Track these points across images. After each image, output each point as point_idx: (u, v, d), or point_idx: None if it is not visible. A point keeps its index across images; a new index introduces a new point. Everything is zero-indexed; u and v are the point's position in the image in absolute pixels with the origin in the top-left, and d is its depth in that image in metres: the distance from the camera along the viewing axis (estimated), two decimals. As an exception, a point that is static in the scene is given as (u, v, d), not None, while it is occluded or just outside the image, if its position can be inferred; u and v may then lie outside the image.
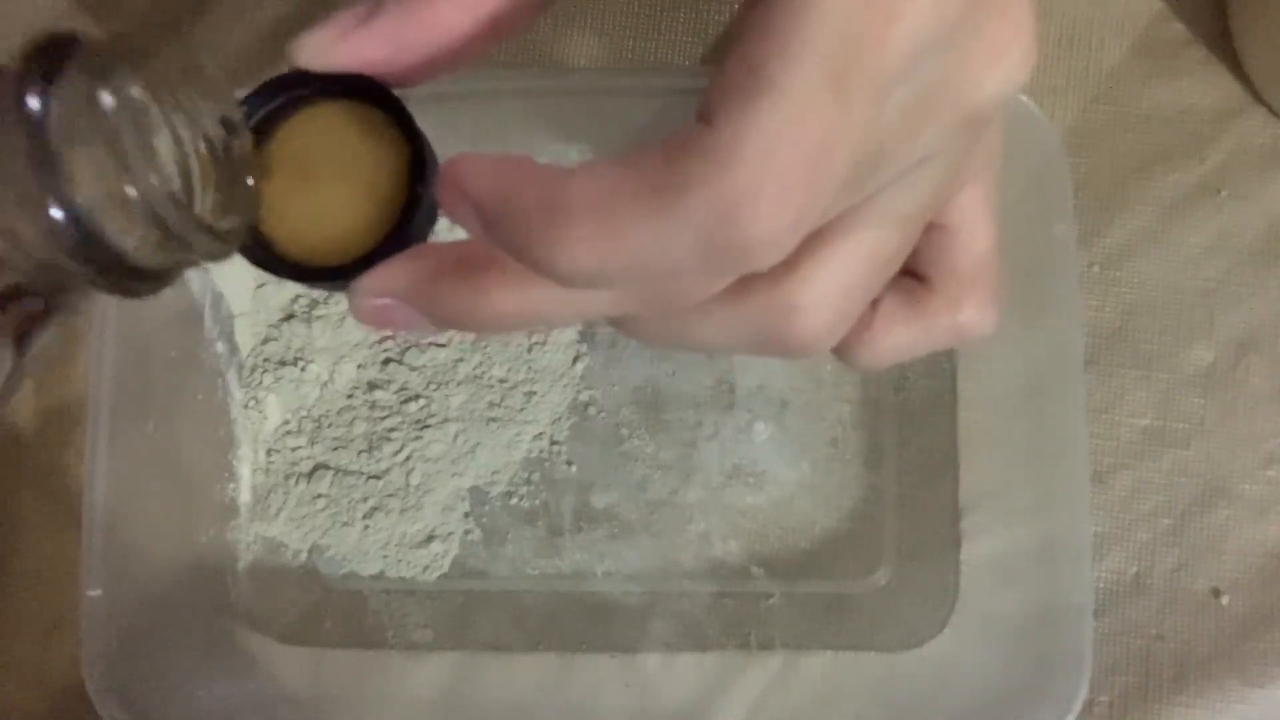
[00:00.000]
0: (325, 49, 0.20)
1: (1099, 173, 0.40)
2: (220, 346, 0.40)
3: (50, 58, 0.17)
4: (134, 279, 0.18)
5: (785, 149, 0.17)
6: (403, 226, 0.21)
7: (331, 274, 0.21)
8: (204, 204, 0.19)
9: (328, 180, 0.21)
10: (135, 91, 0.18)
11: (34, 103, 0.16)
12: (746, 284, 0.20)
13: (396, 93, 0.21)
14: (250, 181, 0.21)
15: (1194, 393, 0.39)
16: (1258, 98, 0.40)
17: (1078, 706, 0.33)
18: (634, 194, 0.18)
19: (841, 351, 0.23)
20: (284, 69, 0.21)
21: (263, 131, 0.21)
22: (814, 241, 0.20)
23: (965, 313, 0.23)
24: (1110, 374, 0.39)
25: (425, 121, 0.22)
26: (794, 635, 0.39)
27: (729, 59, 0.18)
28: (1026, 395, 0.37)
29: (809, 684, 0.38)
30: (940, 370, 0.40)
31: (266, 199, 0.21)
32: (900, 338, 0.23)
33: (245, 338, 0.41)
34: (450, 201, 0.20)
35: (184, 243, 0.18)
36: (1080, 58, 0.41)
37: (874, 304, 0.23)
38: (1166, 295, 0.40)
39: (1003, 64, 0.19)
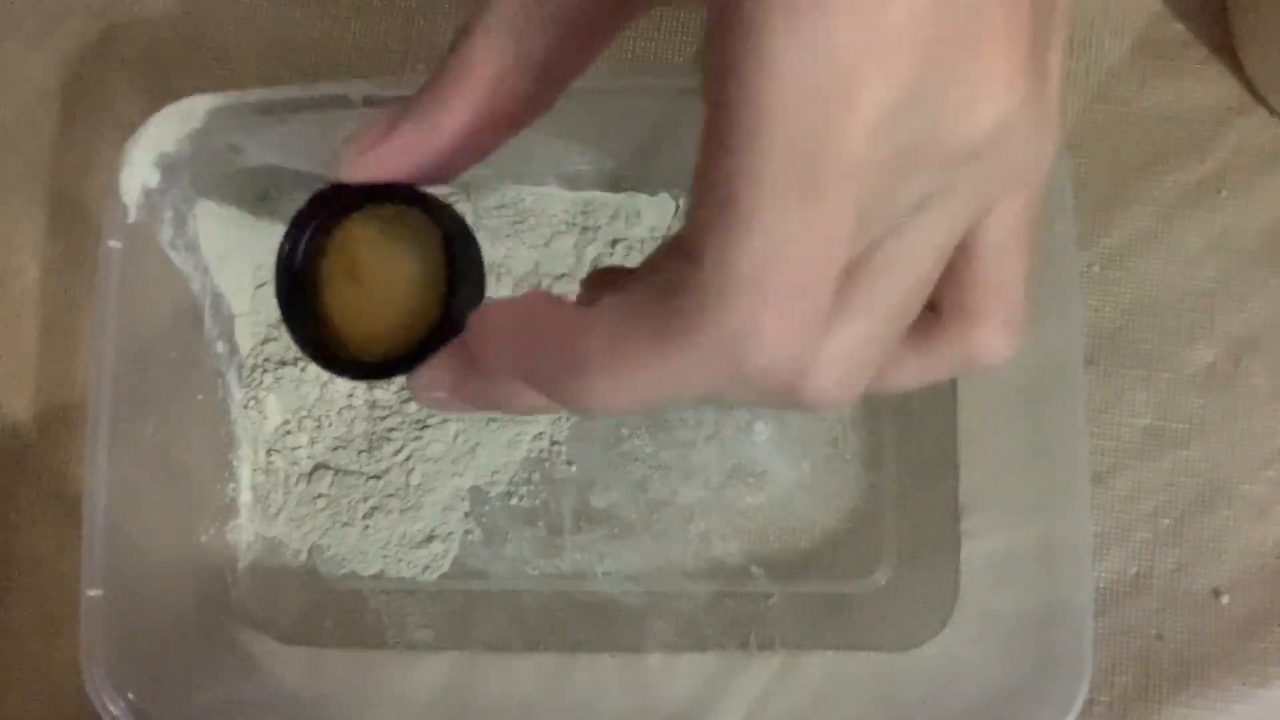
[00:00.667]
0: (357, 166, 0.22)
1: (1099, 173, 0.40)
2: (220, 346, 0.40)
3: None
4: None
5: (774, 274, 0.17)
6: (442, 322, 0.23)
7: (380, 370, 0.24)
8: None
9: (378, 282, 0.24)
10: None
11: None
12: None
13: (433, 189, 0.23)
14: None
15: (1194, 393, 0.39)
16: (1258, 98, 0.40)
17: (1078, 706, 0.33)
18: (640, 342, 0.18)
19: None
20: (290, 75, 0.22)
21: (318, 244, 0.24)
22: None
23: (976, 346, 0.22)
24: (1110, 374, 0.39)
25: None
26: (794, 635, 0.39)
27: (695, 182, 0.18)
28: (1026, 395, 0.37)
29: (809, 684, 0.38)
30: (940, 370, 0.40)
31: (328, 305, 0.24)
32: (908, 371, 0.22)
33: (245, 338, 0.41)
34: (481, 354, 0.22)
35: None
36: (1080, 58, 0.41)
37: None
38: (1166, 295, 0.40)
39: (982, 103, 0.18)
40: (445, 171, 0.22)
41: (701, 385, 0.18)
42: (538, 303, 0.20)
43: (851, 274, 0.19)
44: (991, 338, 0.22)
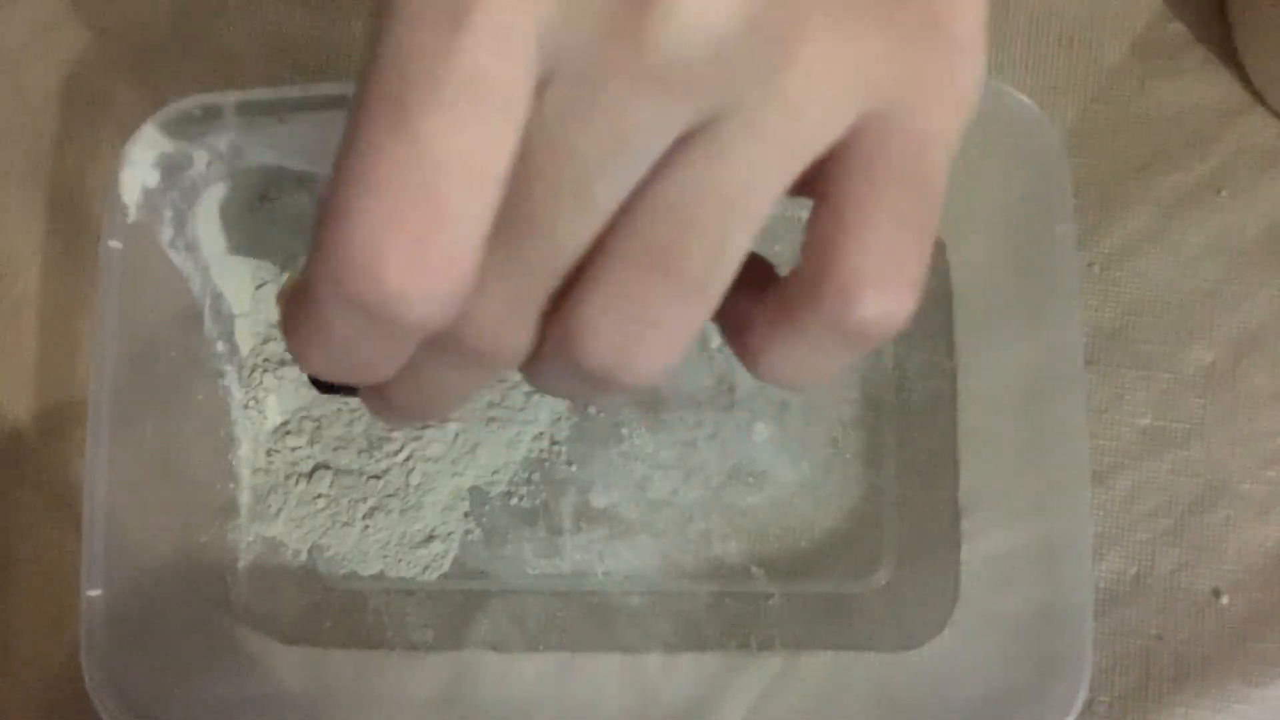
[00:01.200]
0: None
1: (1099, 173, 0.40)
2: (220, 346, 0.40)
3: None
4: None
5: (372, 204, 0.16)
6: None
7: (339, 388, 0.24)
8: None
9: None
10: None
11: None
12: (548, 327, 0.19)
13: None
14: None
15: (1194, 393, 0.39)
16: (1258, 98, 0.40)
17: (1078, 706, 0.33)
18: (301, 292, 0.18)
19: (743, 365, 0.20)
20: (290, 75, 0.22)
21: None
22: (586, 261, 0.18)
23: (828, 305, 0.18)
24: (1110, 374, 0.39)
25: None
26: (794, 635, 0.39)
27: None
28: (1026, 395, 0.37)
29: (809, 684, 0.38)
30: (940, 370, 0.40)
31: None
32: (781, 346, 0.19)
33: (245, 338, 0.41)
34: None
35: None
36: (1080, 58, 0.41)
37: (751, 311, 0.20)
38: (1166, 295, 0.40)
39: (669, 7, 0.16)
40: None
41: (358, 333, 0.17)
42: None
43: (613, 222, 0.18)
44: (851, 292, 0.18)
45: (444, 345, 0.19)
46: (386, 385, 0.21)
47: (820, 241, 0.18)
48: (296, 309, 0.18)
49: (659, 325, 0.18)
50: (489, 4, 0.16)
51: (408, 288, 0.16)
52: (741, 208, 0.17)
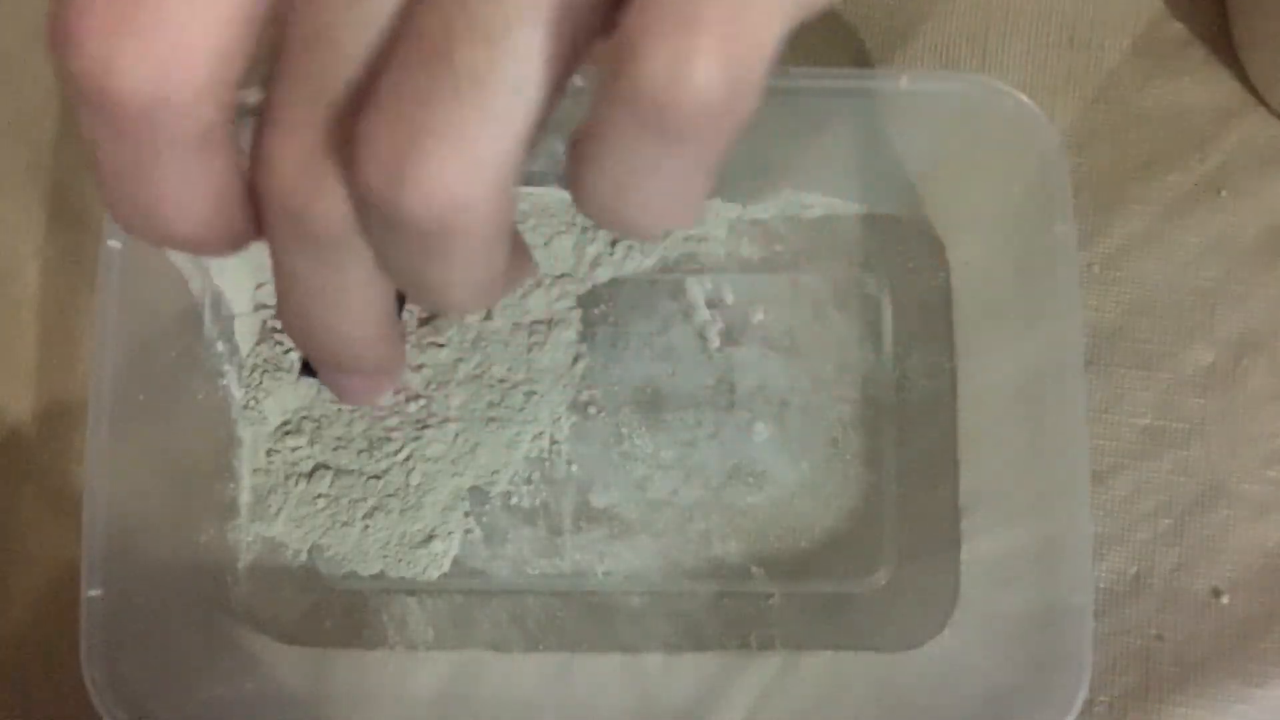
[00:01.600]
0: None
1: (1099, 173, 0.40)
2: (220, 346, 0.40)
3: None
4: None
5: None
6: None
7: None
8: None
9: None
10: None
11: None
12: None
13: None
14: None
15: (1194, 393, 0.39)
16: (1258, 98, 0.40)
17: (1078, 706, 0.33)
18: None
19: (580, 210, 0.17)
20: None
21: None
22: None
23: (617, 79, 0.15)
24: (1110, 374, 0.39)
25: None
26: (794, 635, 0.39)
27: None
28: (1026, 395, 0.37)
29: (809, 684, 0.38)
30: (940, 370, 0.40)
31: None
32: (596, 156, 0.16)
33: (245, 338, 0.41)
34: None
35: None
36: (1080, 58, 0.41)
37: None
38: (1166, 295, 0.40)
39: None
40: None
41: (108, 143, 0.16)
42: None
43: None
44: (642, 47, 0.14)
45: (275, 219, 0.17)
46: (287, 315, 0.19)
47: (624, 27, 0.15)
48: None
49: (439, 133, 0.15)
50: None
51: (112, 53, 0.14)
52: None
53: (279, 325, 0.40)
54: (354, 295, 0.18)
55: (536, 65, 0.15)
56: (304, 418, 0.41)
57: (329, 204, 0.16)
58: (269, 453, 0.41)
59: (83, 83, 0.15)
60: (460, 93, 0.15)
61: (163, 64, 0.15)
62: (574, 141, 0.16)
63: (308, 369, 0.24)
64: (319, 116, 0.16)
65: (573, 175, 0.17)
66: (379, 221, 0.16)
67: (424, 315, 0.41)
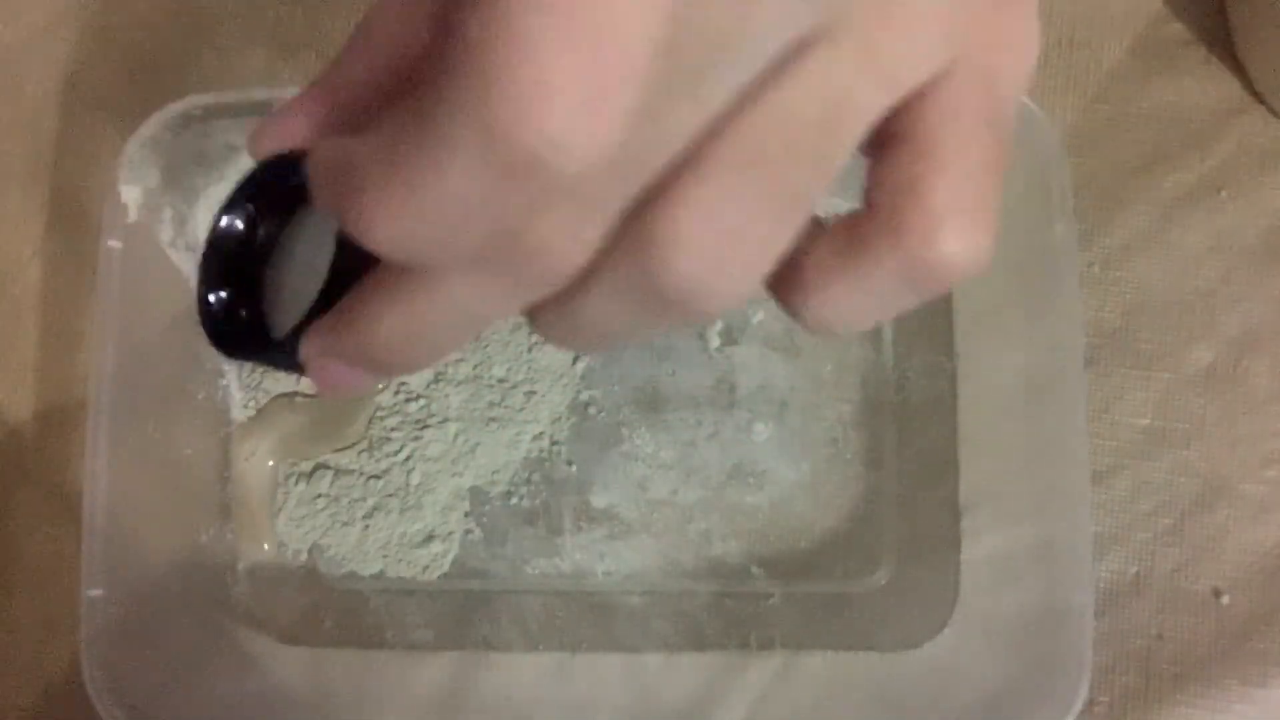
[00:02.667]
0: (263, 139, 0.21)
1: (1099, 173, 0.40)
2: (220, 346, 0.40)
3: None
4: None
5: (539, 25, 0.14)
6: (328, 283, 0.20)
7: (275, 347, 0.22)
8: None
9: (315, 273, 0.21)
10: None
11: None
12: (616, 236, 0.17)
13: None
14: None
15: (1194, 393, 0.39)
16: (1258, 98, 0.40)
17: (1078, 706, 0.33)
18: (411, 143, 0.15)
19: (787, 309, 0.19)
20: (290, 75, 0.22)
21: (260, 239, 0.23)
22: (677, 168, 0.17)
23: (913, 237, 0.17)
24: (1110, 374, 0.39)
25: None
26: (794, 635, 0.39)
27: None
28: (1026, 395, 0.37)
29: (809, 684, 0.38)
30: (940, 370, 0.40)
31: (269, 300, 0.23)
32: (844, 283, 0.18)
33: (245, 338, 0.41)
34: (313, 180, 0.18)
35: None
36: (1080, 58, 0.41)
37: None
38: (1166, 295, 0.40)
39: None
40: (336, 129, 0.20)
41: (472, 186, 0.15)
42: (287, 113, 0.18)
43: (714, 126, 0.16)
44: (934, 225, 0.17)
45: (497, 251, 0.17)
46: (370, 323, 0.19)
47: (902, 181, 0.18)
48: (387, 156, 0.16)
49: (752, 242, 0.17)
50: None
51: (574, 132, 0.14)
52: (845, 126, 0.17)
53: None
54: (479, 325, 0.19)
55: (824, 189, 0.17)
56: (304, 418, 0.41)
57: (576, 254, 0.17)
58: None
59: (531, 162, 0.15)
60: (782, 214, 0.17)
61: (617, 142, 0.15)
62: (806, 266, 0.18)
63: (232, 347, 0.22)
64: (620, 184, 0.17)
65: (808, 297, 0.18)
66: (629, 293, 0.17)
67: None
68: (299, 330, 0.21)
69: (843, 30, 0.16)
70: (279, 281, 0.23)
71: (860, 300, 0.18)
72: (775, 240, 0.17)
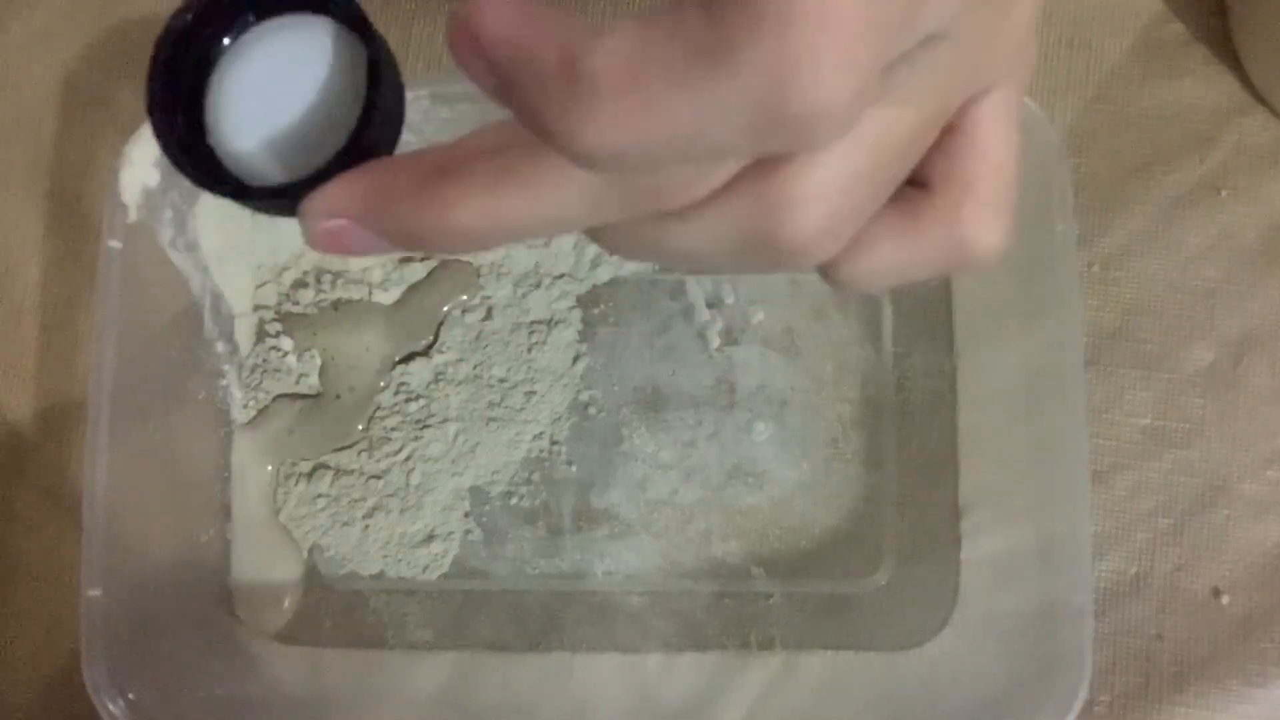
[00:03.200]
0: None
1: (1099, 173, 0.40)
2: (220, 346, 0.40)
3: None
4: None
5: (842, 7, 0.15)
6: (355, 139, 0.19)
7: (275, 193, 0.20)
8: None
9: (286, 99, 0.20)
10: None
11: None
12: (737, 179, 0.18)
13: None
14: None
15: (1194, 393, 0.39)
16: (1258, 98, 0.40)
17: (1078, 706, 0.33)
18: (674, 60, 0.16)
19: (827, 267, 0.20)
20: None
21: (212, 45, 0.21)
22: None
23: (965, 223, 0.20)
24: (1110, 374, 0.39)
25: (430, 121, 0.22)
26: (794, 635, 0.39)
27: None
28: (1026, 395, 0.37)
29: (809, 684, 0.38)
30: (940, 370, 0.40)
31: (224, 117, 0.20)
32: (891, 250, 0.20)
33: (245, 338, 0.41)
34: (462, 54, 0.17)
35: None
36: (1080, 58, 0.41)
37: None
38: (1166, 295, 0.40)
39: None
40: None
41: (728, 129, 0.16)
42: (546, 8, 0.17)
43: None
44: (983, 216, 0.20)
45: (651, 168, 0.17)
46: (447, 198, 0.18)
47: (961, 175, 0.20)
48: (633, 73, 0.16)
49: (862, 215, 0.19)
50: None
51: (841, 94, 0.16)
52: (944, 120, 0.20)
53: (279, 328, 0.40)
54: (587, 224, 0.19)
55: None
56: (304, 418, 0.41)
57: (703, 185, 0.18)
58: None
59: (796, 126, 0.16)
60: (886, 191, 0.19)
61: (862, 106, 0.16)
62: (857, 238, 0.19)
63: (205, 181, 0.20)
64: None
65: (858, 255, 0.20)
66: (735, 234, 0.18)
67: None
68: (314, 180, 0.19)
69: (965, 35, 0.18)
70: (254, 107, 0.20)
71: (900, 265, 0.20)
72: (876, 199, 0.19)
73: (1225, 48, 0.41)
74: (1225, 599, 0.38)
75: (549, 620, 0.40)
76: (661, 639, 0.39)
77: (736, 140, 0.16)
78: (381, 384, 0.41)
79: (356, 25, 0.20)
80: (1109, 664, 0.38)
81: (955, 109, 0.20)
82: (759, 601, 0.39)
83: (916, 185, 0.20)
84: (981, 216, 0.20)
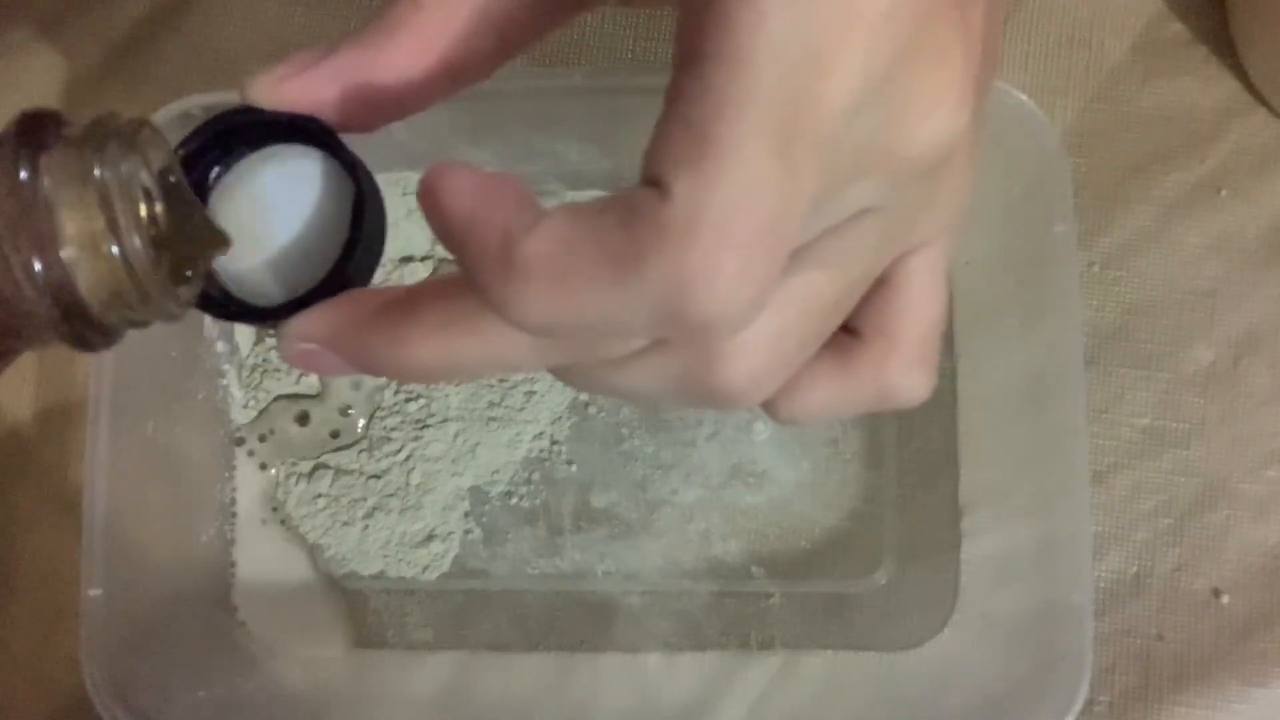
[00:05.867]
0: (276, 86, 0.21)
1: (1099, 173, 0.40)
2: (220, 346, 0.40)
3: (38, 129, 0.19)
4: (92, 331, 0.20)
5: (742, 221, 0.17)
6: (335, 270, 0.21)
7: (262, 315, 0.22)
8: (162, 266, 0.20)
9: (275, 225, 0.21)
10: (122, 164, 0.19)
11: (25, 172, 0.18)
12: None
13: (344, 136, 0.21)
14: (199, 239, 0.21)
15: (1194, 393, 0.39)
16: (1258, 98, 0.40)
17: (1078, 706, 0.33)
18: (590, 260, 0.17)
19: (767, 407, 0.22)
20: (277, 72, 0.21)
21: (208, 174, 0.22)
22: None
23: (891, 373, 0.22)
24: (1110, 374, 0.39)
25: (430, 119, 0.22)
26: (794, 635, 0.39)
27: (666, 119, 0.17)
28: (1026, 395, 0.37)
29: (809, 684, 0.38)
30: (940, 370, 0.40)
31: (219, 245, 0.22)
32: (825, 392, 0.22)
33: (245, 338, 0.41)
34: (427, 209, 0.19)
35: (147, 301, 0.20)
36: (1080, 58, 0.41)
37: None
38: (1166, 295, 0.40)
39: (935, 116, 0.18)
40: (372, 116, 0.21)
41: (633, 322, 0.18)
42: (504, 180, 0.19)
43: (791, 268, 0.19)
44: (909, 367, 0.22)
45: (583, 331, 0.19)
46: (408, 336, 0.20)
47: (893, 319, 0.22)
48: (563, 258, 0.18)
49: (791, 366, 0.20)
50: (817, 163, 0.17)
51: (735, 304, 0.17)
52: (870, 280, 0.21)
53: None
54: (533, 369, 0.21)
55: None
56: (304, 418, 0.41)
57: (637, 344, 0.20)
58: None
59: (691, 326, 0.17)
60: (814, 343, 0.21)
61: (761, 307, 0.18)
62: (797, 376, 0.21)
63: (251, 316, 0.22)
64: None
65: (789, 403, 0.22)
66: (672, 380, 0.20)
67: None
68: (295, 305, 0.21)
69: (895, 209, 0.19)
70: (248, 232, 0.22)
71: (833, 405, 0.22)
72: (806, 351, 0.21)
73: (1225, 48, 0.41)
74: (1225, 599, 0.38)
75: (549, 620, 0.40)
76: (661, 639, 0.39)
77: (648, 330, 0.18)
78: (382, 384, 0.41)
79: (345, 162, 0.21)
80: (1109, 664, 0.38)
81: (885, 266, 0.21)
82: (759, 601, 0.39)
83: (850, 332, 0.22)
84: (905, 367, 0.22)
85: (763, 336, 0.19)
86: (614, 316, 0.18)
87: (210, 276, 0.22)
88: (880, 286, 0.22)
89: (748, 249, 0.17)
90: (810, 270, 0.19)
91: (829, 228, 0.19)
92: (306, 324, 0.21)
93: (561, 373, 0.21)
